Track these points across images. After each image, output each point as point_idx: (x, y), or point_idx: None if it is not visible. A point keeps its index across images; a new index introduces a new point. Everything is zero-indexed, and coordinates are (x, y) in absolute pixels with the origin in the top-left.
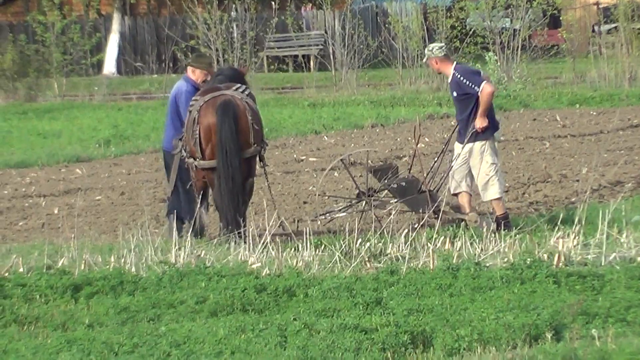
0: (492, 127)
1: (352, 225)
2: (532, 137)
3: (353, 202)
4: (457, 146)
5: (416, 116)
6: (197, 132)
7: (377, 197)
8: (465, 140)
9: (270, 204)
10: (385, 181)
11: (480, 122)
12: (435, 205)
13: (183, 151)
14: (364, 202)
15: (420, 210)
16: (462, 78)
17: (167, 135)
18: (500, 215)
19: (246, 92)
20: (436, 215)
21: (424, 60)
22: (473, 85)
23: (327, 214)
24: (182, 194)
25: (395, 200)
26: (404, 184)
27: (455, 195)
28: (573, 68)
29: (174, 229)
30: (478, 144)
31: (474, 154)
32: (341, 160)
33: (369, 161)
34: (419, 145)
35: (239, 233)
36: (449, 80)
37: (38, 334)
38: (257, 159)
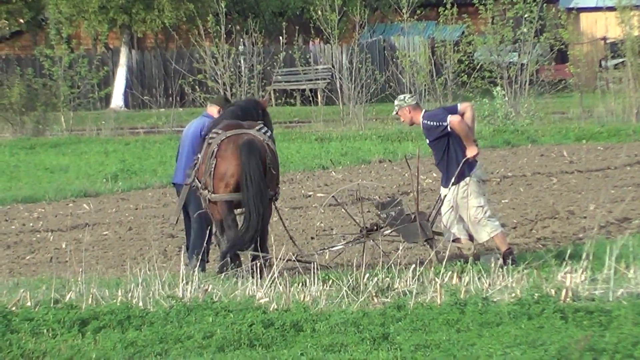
0: (469, 166)
1: (359, 260)
2: (539, 173)
3: (354, 237)
4: (443, 190)
5: (407, 154)
6: (214, 165)
7: (377, 233)
8: (443, 184)
9: (278, 239)
10: (385, 215)
11: (470, 152)
12: (428, 233)
13: (197, 181)
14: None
15: (412, 240)
16: (428, 122)
17: (183, 169)
18: (504, 251)
19: (268, 134)
20: (428, 244)
21: (394, 112)
22: (439, 122)
23: (327, 249)
24: (194, 227)
25: (388, 230)
26: (393, 213)
27: (455, 241)
28: (580, 103)
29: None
30: (461, 190)
31: (458, 200)
32: (333, 196)
33: (377, 197)
34: (426, 181)
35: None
36: (422, 128)
37: None
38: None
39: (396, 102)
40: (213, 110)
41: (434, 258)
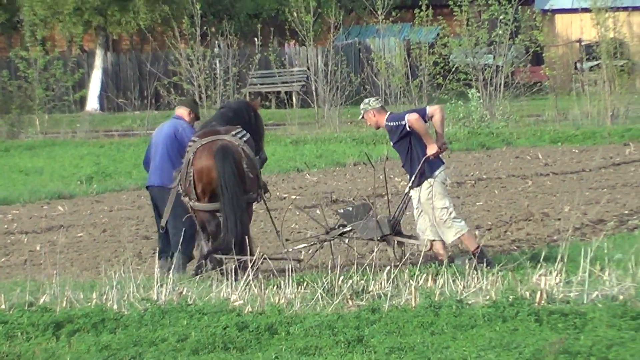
0: (430, 167)
1: (334, 262)
2: (514, 175)
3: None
4: (412, 191)
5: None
6: (192, 174)
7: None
8: (410, 184)
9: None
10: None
11: (430, 150)
12: (387, 230)
13: (180, 187)
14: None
15: (369, 236)
16: (390, 123)
17: (163, 171)
18: (473, 250)
19: (244, 138)
20: (384, 241)
21: (360, 117)
22: (399, 122)
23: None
24: (171, 228)
25: (346, 227)
26: (350, 209)
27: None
28: (555, 105)
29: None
30: (424, 192)
31: (423, 202)
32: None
33: (352, 198)
34: (401, 183)
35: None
36: (386, 130)
37: None
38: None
39: (362, 106)
40: (182, 111)
41: (392, 256)
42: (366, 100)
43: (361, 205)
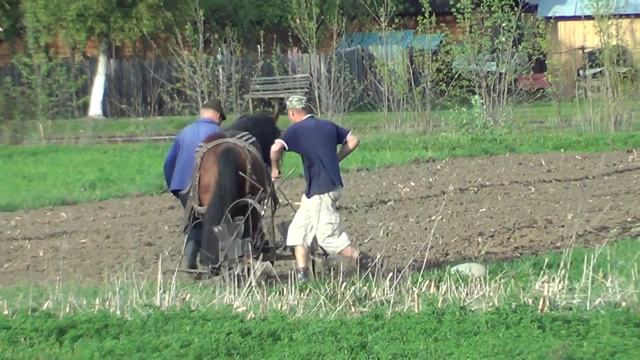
0: (325, 184)
1: (337, 269)
2: (517, 182)
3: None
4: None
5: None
6: (197, 178)
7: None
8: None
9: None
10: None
11: (272, 173)
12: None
13: (190, 192)
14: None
15: (230, 256)
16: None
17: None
18: (354, 260)
19: (250, 141)
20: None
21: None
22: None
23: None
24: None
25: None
26: (221, 228)
27: (292, 247)
28: (559, 112)
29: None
30: (314, 202)
31: (312, 211)
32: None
33: (355, 205)
34: (404, 190)
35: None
36: None
37: None
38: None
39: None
40: (211, 114)
41: (257, 274)
42: (290, 98)
43: (232, 225)
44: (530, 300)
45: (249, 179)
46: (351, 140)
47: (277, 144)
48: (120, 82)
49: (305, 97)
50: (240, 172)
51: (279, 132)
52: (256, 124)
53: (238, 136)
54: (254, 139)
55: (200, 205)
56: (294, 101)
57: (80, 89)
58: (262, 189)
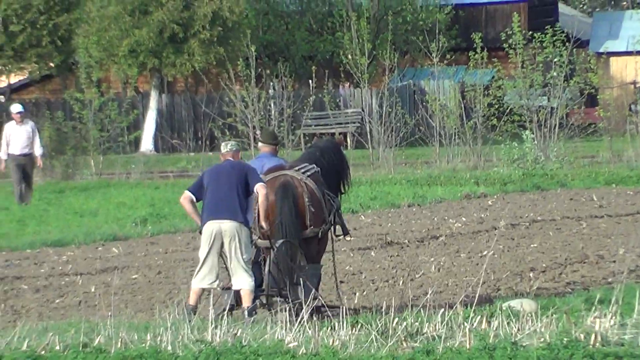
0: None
1: (389, 303)
2: (568, 217)
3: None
4: None
5: None
6: (256, 211)
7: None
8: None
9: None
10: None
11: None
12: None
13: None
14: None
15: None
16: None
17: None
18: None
19: (308, 173)
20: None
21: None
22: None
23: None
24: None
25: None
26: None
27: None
28: (610, 147)
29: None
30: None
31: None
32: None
33: (407, 240)
34: (455, 225)
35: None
36: None
37: None
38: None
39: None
40: (270, 149)
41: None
42: (224, 144)
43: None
44: (582, 336)
45: (307, 210)
46: (257, 190)
47: (184, 195)
48: (171, 117)
49: (231, 142)
50: (300, 204)
51: (345, 157)
52: (323, 153)
53: (296, 168)
54: (313, 170)
55: (260, 237)
56: (230, 146)
57: (132, 124)
58: (323, 223)
